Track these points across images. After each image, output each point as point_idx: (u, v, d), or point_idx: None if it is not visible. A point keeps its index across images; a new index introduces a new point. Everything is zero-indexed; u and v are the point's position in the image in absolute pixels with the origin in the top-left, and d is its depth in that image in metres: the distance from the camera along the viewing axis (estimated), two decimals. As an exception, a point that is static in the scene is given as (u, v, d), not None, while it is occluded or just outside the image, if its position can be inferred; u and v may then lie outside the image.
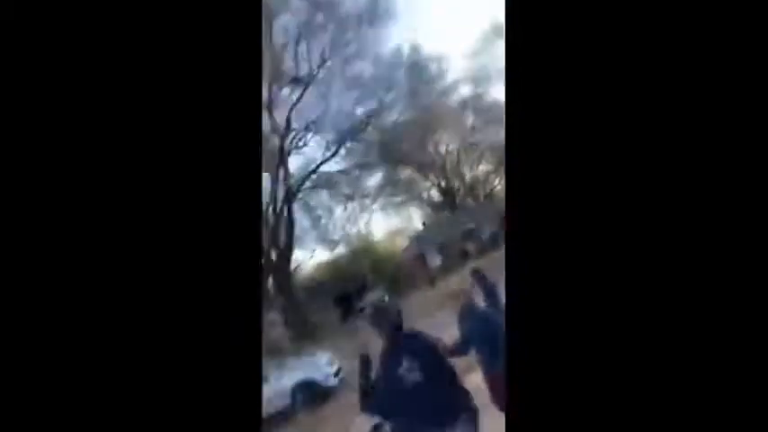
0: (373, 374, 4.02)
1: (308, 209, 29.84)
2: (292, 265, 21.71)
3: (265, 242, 19.70)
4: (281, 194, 20.55)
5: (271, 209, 20.87)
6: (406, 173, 29.69)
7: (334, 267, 29.68)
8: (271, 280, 22.06)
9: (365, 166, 23.79)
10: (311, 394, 7.42)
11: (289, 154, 20.71)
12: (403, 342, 2.17)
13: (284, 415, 7.30)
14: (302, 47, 19.75)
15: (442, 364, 2.13)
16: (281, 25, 18.96)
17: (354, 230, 32.37)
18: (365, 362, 4.85)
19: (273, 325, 19.32)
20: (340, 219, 31.67)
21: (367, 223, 33.90)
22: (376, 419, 4.18)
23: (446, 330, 2.56)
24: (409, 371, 2.09)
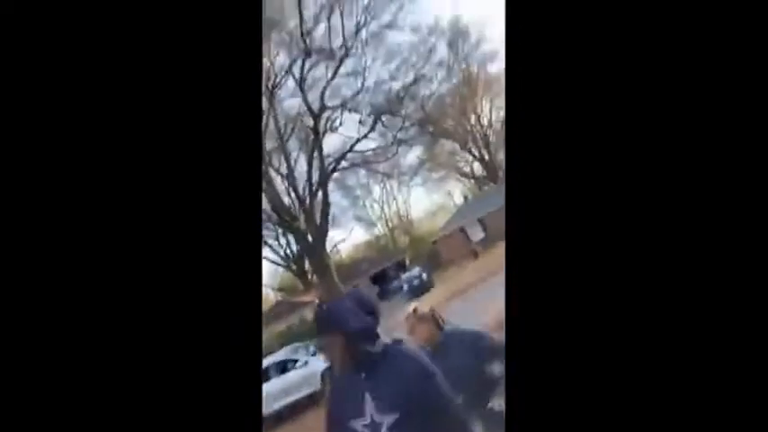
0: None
1: (345, 188, 29.46)
2: (329, 246, 21.38)
3: (302, 224, 19.50)
4: (315, 176, 20.10)
5: (306, 191, 20.53)
6: (446, 147, 28.43)
7: (372, 247, 29.58)
8: (307, 262, 22.00)
9: (403, 142, 22.49)
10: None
11: (323, 134, 19.98)
12: (369, 367, 1.11)
13: (313, 399, 6.77)
14: (335, 18, 18.56)
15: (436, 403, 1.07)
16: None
17: (393, 209, 31.85)
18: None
19: (312, 306, 19.28)
20: (378, 198, 31.24)
21: (405, 201, 33.24)
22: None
23: (490, 304, 1.68)
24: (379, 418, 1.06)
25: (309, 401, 6.83)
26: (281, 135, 19.80)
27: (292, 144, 21.67)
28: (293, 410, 6.86)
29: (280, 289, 28.42)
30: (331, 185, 21.46)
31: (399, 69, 20.52)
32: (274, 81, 18.42)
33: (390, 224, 30.92)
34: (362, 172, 24.91)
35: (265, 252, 24.91)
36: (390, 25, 19.38)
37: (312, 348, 8.03)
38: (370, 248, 29.35)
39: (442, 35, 22.90)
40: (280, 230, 23.39)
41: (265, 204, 19.49)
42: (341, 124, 20.19)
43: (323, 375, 6.93)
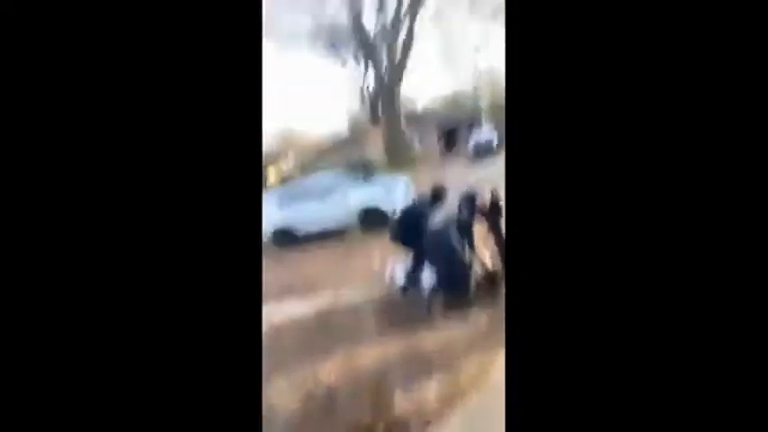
0: (438, 214, 3.32)
1: (436, 29, 25.77)
2: (405, 88, 20.00)
3: (384, 54, 17.88)
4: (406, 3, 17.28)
5: (390, 19, 18.06)
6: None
7: (452, 101, 27.50)
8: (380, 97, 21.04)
9: None
10: (375, 220, 6.90)
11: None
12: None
13: (341, 234, 7.10)
14: None
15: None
16: None
17: (486, 64, 28.04)
18: (436, 195, 3.78)
19: (373, 144, 19.34)
20: (471, 45, 27.25)
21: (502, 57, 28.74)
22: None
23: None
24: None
25: (339, 234, 7.16)
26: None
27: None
28: (322, 238, 7.27)
29: (350, 121, 28.48)
30: (426, 22, 18.73)
31: None
32: None
33: (478, 80, 27.77)
34: (466, 7, 21.05)
35: (342, 71, 23.91)
36: None
37: (356, 180, 8.03)
38: (447, 103, 27.33)
39: None
40: (361, 53, 21.84)
41: (347, 21, 17.76)
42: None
43: (360, 215, 7.10)
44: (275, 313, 4.20)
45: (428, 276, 3.47)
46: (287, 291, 4.94)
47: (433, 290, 3.42)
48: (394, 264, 4.09)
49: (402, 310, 3.58)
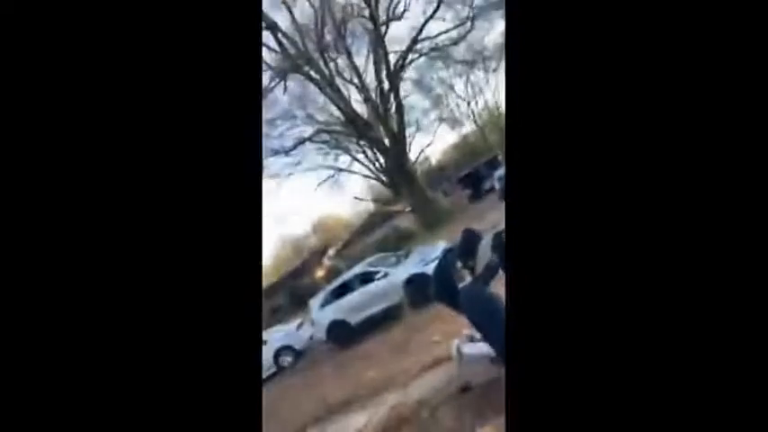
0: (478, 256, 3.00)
1: (424, 87, 27.10)
2: (415, 152, 20.48)
3: (380, 133, 18.65)
4: (384, 77, 18.43)
5: (376, 93, 19.13)
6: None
7: (460, 148, 27.79)
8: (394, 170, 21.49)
9: (482, 14, 18.28)
10: (420, 290, 6.33)
11: (386, 25, 17.70)
12: None
13: (394, 311, 6.58)
14: None
15: None
16: None
17: (481, 103, 28.66)
18: (467, 239, 3.32)
19: (401, 215, 19.29)
20: (462, 92, 28.16)
21: (495, 90, 29.35)
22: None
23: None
24: None
25: (392, 313, 6.66)
26: (341, 36, 18.16)
27: (357, 44, 19.71)
28: (374, 323, 6.81)
29: (374, 200, 29.10)
30: (407, 85, 19.76)
31: None
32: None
33: (479, 120, 28.15)
34: (440, 64, 22.14)
35: (356, 167, 25.13)
36: None
37: (396, 259, 7.74)
38: (458, 150, 27.59)
39: None
40: (365, 143, 22.92)
41: (342, 117, 18.93)
42: (406, 9, 17.44)
43: (405, 287, 6.63)
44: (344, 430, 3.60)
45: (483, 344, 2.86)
46: (351, 402, 4.35)
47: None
48: (457, 339, 3.49)
49: (481, 393, 2.92)
